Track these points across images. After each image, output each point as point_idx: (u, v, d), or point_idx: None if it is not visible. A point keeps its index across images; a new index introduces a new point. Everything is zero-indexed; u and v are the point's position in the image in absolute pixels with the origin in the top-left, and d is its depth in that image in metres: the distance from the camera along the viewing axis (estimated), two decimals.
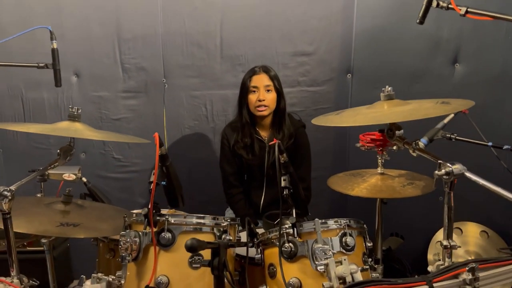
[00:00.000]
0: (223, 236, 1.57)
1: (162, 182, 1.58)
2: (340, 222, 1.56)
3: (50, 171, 1.99)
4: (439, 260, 1.43)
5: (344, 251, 1.52)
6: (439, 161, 1.32)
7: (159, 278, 1.49)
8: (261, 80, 2.40)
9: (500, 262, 1.26)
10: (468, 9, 1.44)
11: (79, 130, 1.64)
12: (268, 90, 2.40)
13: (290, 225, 1.52)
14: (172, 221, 1.53)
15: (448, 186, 1.34)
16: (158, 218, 1.52)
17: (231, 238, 1.59)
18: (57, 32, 1.93)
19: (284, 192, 1.54)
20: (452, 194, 1.36)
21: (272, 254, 1.60)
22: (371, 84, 2.73)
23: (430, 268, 1.38)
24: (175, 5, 2.88)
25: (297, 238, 1.52)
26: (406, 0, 2.67)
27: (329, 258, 1.36)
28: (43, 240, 2.06)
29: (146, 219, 1.50)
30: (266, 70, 2.44)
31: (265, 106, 2.38)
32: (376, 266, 1.70)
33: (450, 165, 1.31)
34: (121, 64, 2.96)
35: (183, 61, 2.93)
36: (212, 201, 2.95)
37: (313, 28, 2.82)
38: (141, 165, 3.04)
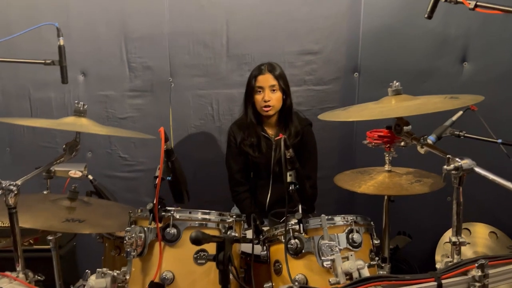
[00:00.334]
0: (228, 232, 1.56)
1: (168, 178, 1.57)
2: (347, 218, 1.55)
3: (56, 168, 2.00)
4: (448, 257, 1.41)
5: (350, 247, 1.51)
6: (447, 156, 1.30)
7: (164, 274, 1.48)
8: (266, 81, 2.39)
9: (510, 259, 1.24)
10: (477, 3, 1.42)
11: (85, 125, 1.65)
12: (273, 90, 2.39)
13: (296, 221, 1.51)
14: (178, 217, 1.53)
15: (457, 181, 1.32)
16: (163, 213, 1.51)
17: (236, 234, 1.58)
18: (64, 31, 1.94)
19: (290, 188, 1.52)
20: (461, 190, 1.34)
21: (278, 251, 1.59)
22: (378, 83, 2.71)
23: (438, 265, 1.35)
24: (181, 5, 2.88)
25: (303, 234, 1.51)
26: None
27: (336, 253, 1.34)
28: (49, 238, 2.06)
29: (151, 215, 1.49)
30: (271, 69, 2.42)
31: (270, 106, 2.38)
32: (383, 265, 1.68)
33: (459, 160, 1.29)
34: (127, 63, 2.97)
35: (189, 60, 2.93)
36: (217, 200, 2.94)
37: (320, 27, 2.81)
38: (147, 164, 3.04)
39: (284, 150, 1.51)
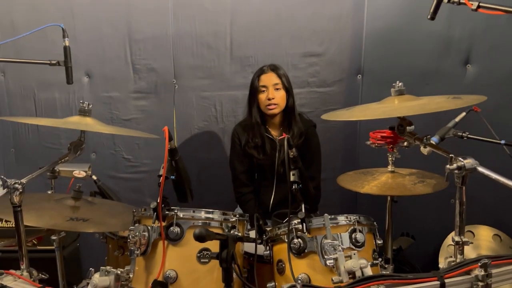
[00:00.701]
0: (231, 232, 1.56)
1: (172, 176, 1.57)
2: (350, 218, 1.55)
3: (60, 168, 2.01)
4: (451, 257, 1.41)
5: (353, 247, 1.51)
6: (450, 155, 1.31)
7: (167, 273, 1.49)
8: (269, 79, 2.41)
9: None
10: (480, 4, 1.42)
11: (90, 124, 1.66)
12: (277, 89, 2.41)
13: (299, 220, 1.51)
14: (181, 216, 1.53)
15: (460, 181, 1.32)
16: (166, 212, 1.52)
17: (239, 233, 1.58)
18: (69, 33, 1.95)
19: (293, 187, 1.53)
20: (464, 190, 1.34)
21: (280, 250, 1.59)
22: (382, 85, 2.67)
23: (441, 265, 1.35)
24: (185, 7, 2.90)
25: (306, 234, 1.51)
26: (416, 1, 2.66)
27: (339, 252, 1.35)
28: (53, 237, 2.07)
29: (155, 213, 1.50)
30: (274, 68, 2.45)
31: (275, 104, 2.38)
32: (386, 265, 1.68)
33: (462, 160, 1.30)
34: (131, 65, 2.99)
35: (193, 62, 2.94)
36: (221, 201, 2.94)
37: (323, 29, 2.82)
38: (151, 166, 3.05)
39: (287, 150, 1.51)
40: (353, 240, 1.52)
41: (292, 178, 1.54)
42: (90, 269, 1.46)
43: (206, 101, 2.98)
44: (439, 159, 1.46)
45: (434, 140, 1.85)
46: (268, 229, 1.69)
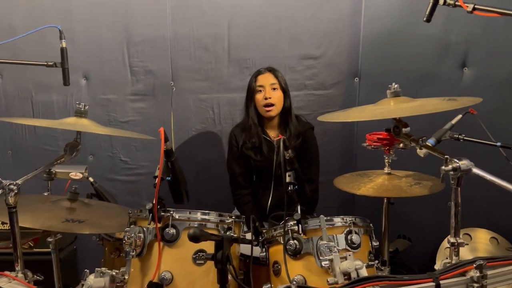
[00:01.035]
0: (227, 233, 1.56)
1: (167, 178, 1.57)
2: (346, 219, 1.55)
3: (57, 170, 2.01)
4: (446, 258, 1.41)
5: (349, 248, 1.51)
6: (446, 156, 1.31)
7: (163, 274, 1.48)
8: (266, 79, 2.42)
9: (509, 261, 1.24)
10: (476, 6, 1.43)
11: (86, 125, 1.66)
12: (274, 89, 2.41)
13: (295, 222, 1.51)
14: (177, 217, 1.53)
15: (455, 182, 1.32)
16: (162, 213, 1.51)
17: (235, 235, 1.58)
18: (67, 35, 1.96)
19: (289, 188, 1.53)
20: (459, 191, 1.34)
21: (276, 252, 1.59)
22: (379, 88, 2.66)
23: (436, 266, 1.35)
24: (183, 9, 2.91)
25: (302, 235, 1.51)
26: (413, 4, 2.66)
27: (334, 254, 1.34)
28: (49, 239, 2.06)
29: (151, 215, 1.50)
30: (271, 69, 2.47)
31: (272, 105, 2.39)
32: (383, 268, 1.68)
33: (457, 161, 1.30)
34: (129, 67, 2.99)
35: (191, 64, 2.95)
36: (218, 204, 2.94)
37: (321, 32, 2.83)
38: (148, 168, 3.04)
39: (283, 151, 1.51)
40: (349, 242, 1.52)
41: (288, 179, 1.54)
42: (85, 270, 1.45)
43: (203, 103, 2.98)
44: (435, 161, 1.46)
45: (430, 142, 1.85)
46: (264, 230, 1.69)
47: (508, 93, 2.65)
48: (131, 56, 2.98)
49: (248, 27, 2.88)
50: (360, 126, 2.80)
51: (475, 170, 1.29)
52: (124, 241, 1.51)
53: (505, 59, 2.64)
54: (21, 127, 3.11)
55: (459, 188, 1.32)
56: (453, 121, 1.93)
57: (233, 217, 1.60)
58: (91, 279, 1.37)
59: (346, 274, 1.26)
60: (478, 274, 1.13)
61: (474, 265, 1.14)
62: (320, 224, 1.48)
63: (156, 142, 1.55)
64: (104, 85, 3.03)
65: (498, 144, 1.90)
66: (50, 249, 2.08)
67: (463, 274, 1.16)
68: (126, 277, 1.49)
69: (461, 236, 1.38)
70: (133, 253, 1.51)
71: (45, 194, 2.16)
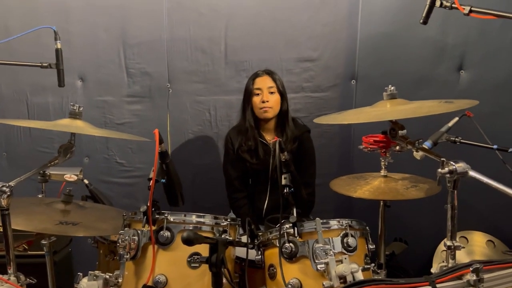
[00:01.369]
0: (223, 236, 1.54)
1: (162, 180, 1.56)
2: (342, 222, 1.54)
3: (51, 172, 1.99)
4: (443, 262, 1.40)
5: (345, 251, 1.50)
6: (442, 159, 1.30)
7: (157, 277, 1.47)
8: (264, 82, 2.41)
9: (506, 264, 1.23)
10: (472, 8, 1.42)
11: (80, 127, 1.64)
12: (271, 92, 2.40)
13: (291, 224, 1.50)
14: (172, 220, 1.52)
15: (452, 185, 1.31)
16: (157, 216, 1.50)
17: (231, 238, 1.56)
18: (63, 37, 1.94)
19: (285, 190, 1.52)
20: (455, 194, 1.34)
21: (272, 255, 1.58)
22: (376, 90, 2.66)
23: (433, 270, 1.34)
24: (180, 11, 2.90)
25: (297, 238, 1.50)
26: (410, 7, 2.66)
27: (330, 257, 1.33)
28: (43, 242, 2.04)
29: (145, 217, 1.48)
30: (269, 72, 2.46)
31: (269, 107, 2.38)
32: (379, 271, 1.67)
33: (453, 163, 1.29)
34: (126, 69, 2.98)
35: (187, 66, 2.94)
36: (215, 207, 2.91)
37: (318, 34, 2.83)
38: (144, 170, 3.02)
39: (279, 153, 1.50)
40: (345, 245, 1.50)
41: (283, 181, 1.53)
42: (78, 273, 1.44)
43: (200, 105, 2.97)
44: (432, 164, 1.46)
45: (427, 144, 1.85)
46: (260, 233, 1.68)
47: (504, 96, 2.65)
48: (127, 58, 2.97)
49: (245, 29, 2.88)
50: (357, 129, 2.79)
51: (472, 173, 1.28)
52: (118, 244, 1.49)
53: (502, 62, 2.65)
54: (16, 128, 3.09)
55: (455, 191, 1.31)
56: (450, 124, 1.93)
57: (229, 220, 1.59)
58: (84, 282, 1.35)
59: (342, 278, 1.25)
60: (474, 278, 1.12)
61: (471, 269, 1.13)
62: (316, 227, 1.47)
63: (152, 145, 1.54)
64: (100, 86, 3.01)
65: (495, 147, 1.90)
66: (44, 252, 2.06)
67: (459, 277, 1.15)
68: (120, 280, 1.48)
69: (457, 239, 1.37)
70: (127, 256, 1.50)
71: (39, 196, 2.15)
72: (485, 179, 1.24)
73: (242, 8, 2.87)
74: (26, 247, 2.60)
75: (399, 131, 1.51)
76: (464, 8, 1.44)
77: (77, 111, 1.69)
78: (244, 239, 1.71)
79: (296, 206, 1.55)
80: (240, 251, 1.67)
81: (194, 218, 1.55)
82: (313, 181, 2.56)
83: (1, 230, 1.51)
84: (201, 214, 1.56)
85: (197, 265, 1.47)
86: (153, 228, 1.50)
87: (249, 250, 1.60)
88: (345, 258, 1.27)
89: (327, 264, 1.28)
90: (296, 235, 1.49)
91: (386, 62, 2.77)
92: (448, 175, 1.29)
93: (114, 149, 3.04)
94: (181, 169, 2.80)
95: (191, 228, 1.53)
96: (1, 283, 1.45)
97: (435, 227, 2.62)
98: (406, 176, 2.01)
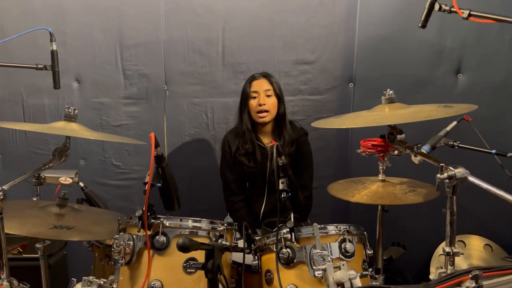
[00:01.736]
0: (219, 241, 1.53)
1: (158, 184, 1.54)
2: (340, 227, 1.53)
3: (46, 174, 1.97)
4: (441, 268, 1.38)
5: (343, 257, 1.48)
6: (441, 164, 1.29)
7: (152, 283, 1.45)
8: (260, 85, 2.40)
9: (505, 271, 1.22)
10: (471, 12, 1.41)
11: (75, 130, 1.62)
12: (268, 95, 2.39)
13: (288, 229, 1.48)
14: (167, 224, 1.50)
15: (451, 191, 1.30)
16: (152, 220, 1.48)
17: (227, 243, 1.55)
18: (59, 38, 1.93)
19: (282, 195, 1.50)
20: (454, 199, 1.32)
21: (269, 260, 1.56)
22: (373, 93, 2.70)
23: (432, 276, 1.33)
24: (177, 13, 2.88)
25: (295, 243, 1.48)
26: (408, 9, 2.66)
27: (328, 263, 1.32)
28: (38, 245, 2.02)
29: (140, 222, 1.46)
30: (265, 75, 2.45)
31: (266, 111, 2.36)
32: (377, 276, 1.66)
33: (452, 169, 1.28)
34: (122, 70, 2.96)
35: (184, 68, 2.92)
36: (211, 210, 2.91)
37: (315, 37, 2.82)
38: (141, 173, 3.00)
39: (276, 157, 1.48)
40: (343, 250, 1.49)
41: (281, 186, 1.51)
42: (72, 279, 1.42)
43: (197, 107, 2.95)
44: (430, 168, 1.45)
45: (425, 149, 1.84)
46: (257, 238, 1.66)
47: (502, 99, 2.66)
48: (124, 59, 2.95)
49: (243, 31, 2.86)
50: (355, 132, 2.78)
51: (471, 178, 1.27)
52: (113, 249, 1.47)
53: (500, 65, 2.65)
54: (11, 130, 3.06)
55: (454, 197, 1.29)
56: (448, 128, 1.92)
57: (225, 225, 1.57)
58: None
59: (340, 284, 1.23)
60: (474, 285, 1.11)
61: (470, 276, 1.12)
62: (313, 232, 1.46)
63: (149, 147, 1.53)
64: (96, 88, 2.99)
65: (493, 151, 1.89)
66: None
67: (458, 284, 1.14)
68: (115, 286, 1.46)
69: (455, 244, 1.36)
70: (122, 261, 1.47)
71: (34, 199, 2.13)
72: (485, 185, 1.23)
73: (239, 10, 2.86)
74: (21, 250, 2.58)
75: (398, 136, 1.49)
76: (463, 12, 1.43)
77: (72, 113, 1.66)
78: (241, 243, 1.69)
79: (293, 210, 1.53)
80: (237, 255, 1.66)
81: (190, 223, 1.53)
82: (311, 185, 2.55)
83: None
84: (197, 218, 1.54)
85: (193, 270, 1.45)
86: (149, 233, 1.48)
87: (245, 254, 1.58)
88: (343, 265, 1.26)
89: (324, 270, 1.26)
90: (293, 240, 1.47)
91: (384, 65, 2.76)
92: (447, 181, 1.28)
93: (110, 151, 3.02)
94: (178, 172, 2.80)
95: (187, 233, 1.52)
96: None
97: (432, 230, 2.62)
98: (404, 180, 2.00)
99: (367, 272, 1.50)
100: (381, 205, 1.90)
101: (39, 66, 1.85)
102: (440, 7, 1.49)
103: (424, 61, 2.73)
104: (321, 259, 1.39)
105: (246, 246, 1.61)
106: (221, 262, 1.23)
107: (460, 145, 1.90)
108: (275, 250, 1.51)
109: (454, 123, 1.92)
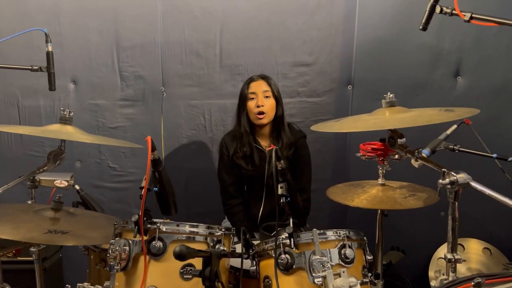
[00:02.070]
0: (216, 246, 1.50)
1: (154, 188, 1.51)
2: (339, 233, 1.50)
3: (41, 177, 1.94)
4: (443, 275, 1.36)
5: (343, 263, 1.45)
6: (443, 170, 1.27)
7: None
8: (259, 86, 2.38)
9: (507, 278, 1.21)
10: (473, 15, 1.40)
11: (70, 133, 1.59)
12: (266, 97, 2.37)
13: (287, 235, 1.46)
14: (164, 229, 1.47)
15: (453, 196, 1.28)
16: (149, 225, 1.45)
17: (225, 248, 1.52)
18: (55, 39, 1.91)
19: (281, 200, 1.48)
20: (456, 205, 1.30)
21: (267, 266, 1.54)
22: (372, 96, 2.70)
23: (433, 283, 1.31)
24: (175, 14, 2.86)
25: (294, 249, 1.46)
26: (407, 11, 2.65)
27: (327, 270, 1.29)
28: (32, 249, 1.99)
29: (137, 227, 1.43)
30: (263, 77, 2.44)
31: (264, 113, 2.34)
32: (376, 281, 1.63)
33: (454, 174, 1.26)
34: (119, 72, 2.93)
35: (182, 70, 2.90)
36: (208, 213, 2.89)
37: (314, 39, 2.80)
38: (137, 175, 2.98)
39: (275, 162, 1.46)
40: (343, 256, 1.46)
41: (280, 191, 1.49)
42: (67, 286, 1.39)
43: (194, 109, 2.93)
44: (430, 172, 1.43)
45: (425, 152, 1.81)
46: (255, 243, 1.63)
47: (500, 102, 2.65)
48: (120, 61, 2.92)
49: (240, 33, 2.84)
50: (353, 135, 2.77)
51: (473, 184, 1.24)
52: (108, 255, 1.45)
53: (498, 67, 2.64)
54: (6, 132, 3.03)
55: (456, 203, 1.27)
56: (448, 131, 1.90)
57: (223, 230, 1.54)
58: None
59: None
60: None
61: (473, 283, 1.10)
62: (313, 238, 1.43)
63: (145, 149, 1.50)
64: (93, 90, 2.96)
65: (494, 155, 1.87)
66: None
67: None
68: None
69: None
70: (118, 267, 1.44)
71: (29, 202, 2.10)
72: (487, 191, 1.21)
73: (237, 12, 2.84)
74: (15, 253, 2.55)
75: (398, 140, 1.47)
76: (464, 15, 1.41)
77: (67, 116, 1.64)
78: (238, 247, 1.67)
79: (292, 215, 1.51)
80: (235, 260, 1.63)
81: (187, 228, 1.50)
82: (309, 187, 2.53)
83: None
84: (195, 224, 1.51)
85: (190, 276, 1.42)
86: (145, 238, 1.45)
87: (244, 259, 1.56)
88: (343, 272, 1.23)
89: (324, 277, 1.24)
90: (292, 246, 1.45)
91: (383, 67, 2.75)
92: (449, 186, 1.26)
93: (107, 153, 3.00)
94: (175, 174, 2.79)
95: (184, 238, 1.49)
96: None
97: (430, 234, 2.62)
98: (404, 184, 1.98)
99: (367, 279, 1.48)
100: (380, 210, 1.88)
101: (34, 67, 1.83)
102: (441, 10, 1.47)
103: (423, 64, 2.72)
104: (321, 265, 1.36)
105: (244, 251, 1.58)
106: (218, 269, 1.21)
107: (460, 149, 1.88)
108: (273, 255, 1.49)
109: (454, 126, 1.90)
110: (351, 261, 1.48)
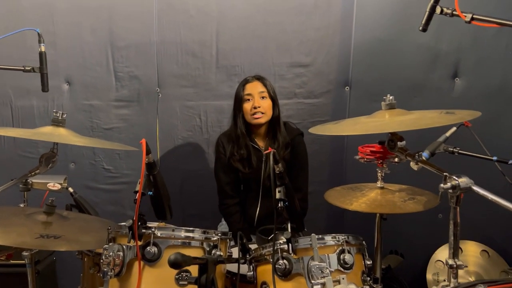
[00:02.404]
0: (213, 252, 1.47)
1: (149, 192, 1.48)
2: (338, 238, 1.48)
3: (34, 180, 1.90)
4: (444, 280, 1.34)
5: (342, 269, 1.43)
6: (444, 174, 1.24)
7: None
8: (254, 87, 2.35)
9: (509, 284, 1.19)
10: (474, 16, 1.37)
11: (63, 135, 1.55)
12: (262, 97, 2.34)
13: (285, 240, 1.43)
14: (159, 235, 1.44)
15: (454, 201, 1.25)
16: (143, 230, 1.42)
17: (221, 253, 1.49)
18: (49, 39, 1.87)
19: (279, 205, 1.45)
20: (458, 210, 1.28)
21: (265, 272, 1.51)
22: (370, 97, 2.68)
23: (429, 284, 1.29)
24: (170, 14, 2.83)
25: (292, 255, 1.43)
26: (405, 12, 2.64)
27: (326, 276, 1.27)
28: (24, 253, 1.95)
29: (131, 232, 1.40)
30: (259, 78, 2.41)
31: (261, 113, 2.31)
32: (375, 286, 1.61)
33: (456, 178, 1.23)
34: (114, 72, 2.90)
35: (177, 70, 2.86)
36: (204, 215, 2.86)
37: (311, 39, 2.77)
38: (132, 177, 2.95)
39: (273, 165, 1.43)
40: (342, 262, 1.44)
41: (278, 195, 1.46)
42: None
43: (190, 110, 2.90)
44: (429, 175, 1.40)
45: (424, 155, 1.78)
46: (252, 247, 1.60)
47: (499, 103, 2.64)
48: (115, 61, 2.89)
49: (237, 33, 2.82)
50: (350, 136, 2.75)
51: (475, 188, 1.22)
52: (101, 260, 1.41)
53: (496, 69, 2.63)
54: None
55: (458, 208, 1.25)
56: (447, 134, 1.87)
57: (219, 235, 1.51)
58: None
59: None
60: None
61: None
62: (311, 243, 1.40)
63: (140, 151, 1.46)
64: (87, 90, 2.92)
65: (494, 158, 1.85)
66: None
67: None
68: None
69: None
70: (111, 273, 1.41)
71: (21, 205, 2.06)
72: (490, 195, 1.18)
73: (233, 11, 2.82)
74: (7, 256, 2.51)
75: (398, 143, 1.45)
76: (465, 16, 1.39)
77: (60, 118, 1.60)
78: (235, 250, 1.64)
79: (290, 220, 1.48)
80: (232, 264, 1.60)
81: (182, 233, 1.47)
82: (306, 187, 2.49)
83: None
84: (190, 228, 1.48)
85: (185, 283, 1.39)
86: (139, 243, 1.41)
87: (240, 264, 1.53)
88: (343, 278, 1.21)
89: (323, 284, 1.21)
90: (290, 251, 1.42)
91: (381, 68, 2.73)
92: (450, 191, 1.23)
93: (101, 155, 2.96)
94: (170, 175, 2.75)
95: (179, 244, 1.45)
96: None
97: (428, 236, 2.60)
98: (403, 187, 1.95)
99: (367, 286, 1.45)
100: (379, 214, 1.85)
101: (26, 68, 1.79)
102: (442, 11, 1.45)
103: (421, 65, 2.70)
104: (320, 271, 1.34)
105: (240, 256, 1.55)
106: (215, 276, 1.17)
107: (460, 151, 1.86)
108: (271, 261, 1.46)
109: (454, 128, 1.87)
110: (350, 267, 1.45)
